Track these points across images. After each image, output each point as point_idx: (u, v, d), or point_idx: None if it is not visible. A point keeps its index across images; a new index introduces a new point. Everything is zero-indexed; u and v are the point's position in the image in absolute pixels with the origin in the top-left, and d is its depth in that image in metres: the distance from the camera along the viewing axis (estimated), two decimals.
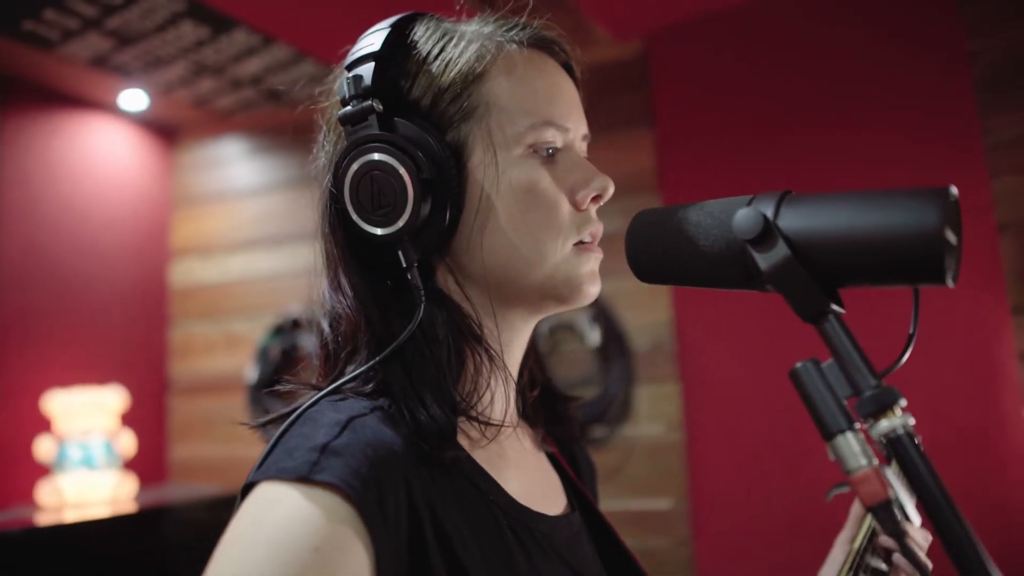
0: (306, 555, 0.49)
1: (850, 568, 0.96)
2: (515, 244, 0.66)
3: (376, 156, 0.64)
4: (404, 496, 0.56)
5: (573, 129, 0.69)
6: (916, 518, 1.13)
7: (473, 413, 0.66)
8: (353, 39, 0.69)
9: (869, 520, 1.04)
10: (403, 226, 0.63)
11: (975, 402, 1.89)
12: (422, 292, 0.64)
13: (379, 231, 0.64)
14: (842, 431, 0.58)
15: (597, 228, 0.69)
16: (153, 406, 2.97)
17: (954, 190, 0.54)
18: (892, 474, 1.16)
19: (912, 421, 0.55)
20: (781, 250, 0.58)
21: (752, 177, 2.16)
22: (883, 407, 0.56)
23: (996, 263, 1.90)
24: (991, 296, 1.90)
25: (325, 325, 0.70)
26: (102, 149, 2.90)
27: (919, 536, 1.02)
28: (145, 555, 2.14)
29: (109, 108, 2.91)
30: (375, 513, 0.52)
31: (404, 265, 0.65)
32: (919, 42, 2.04)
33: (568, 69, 0.72)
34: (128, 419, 2.62)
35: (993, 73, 1.93)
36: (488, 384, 0.69)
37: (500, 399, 0.71)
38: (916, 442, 0.55)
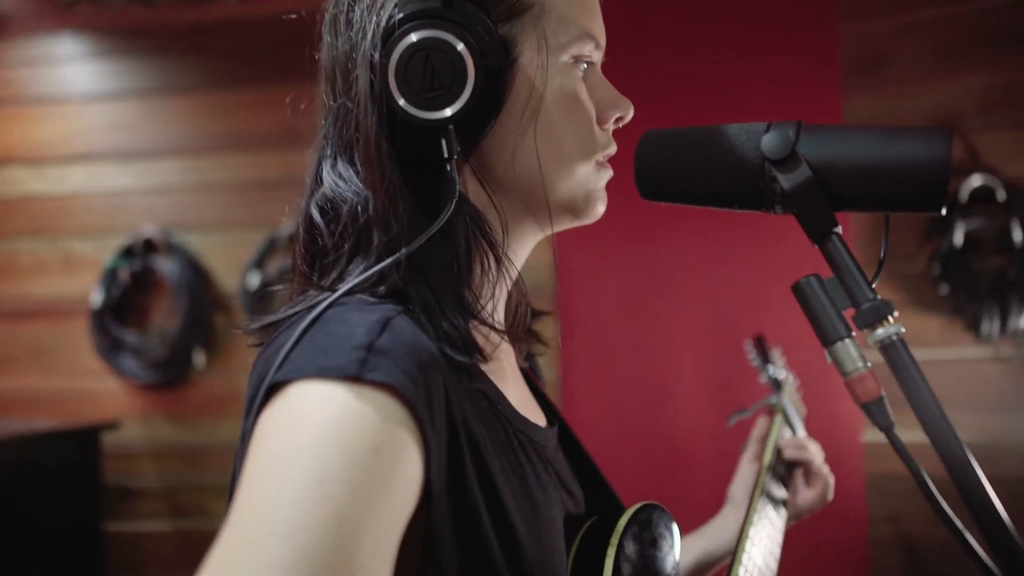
0: (367, 456, 0.46)
1: (764, 478, 1.07)
2: (549, 153, 0.65)
3: (437, 33, 0.59)
4: (443, 401, 0.54)
5: (603, 49, 0.70)
6: (801, 432, 1.28)
7: (490, 321, 0.66)
8: None
9: (776, 435, 1.17)
10: (453, 114, 0.60)
11: (817, 351, 2.12)
12: (456, 187, 0.62)
13: (424, 115, 0.60)
14: (841, 338, 0.64)
15: (614, 149, 0.71)
16: None
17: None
18: (786, 401, 1.30)
19: (903, 330, 0.62)
20: (804, 172, 0.63)
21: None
22: (880, 317, 0.63)
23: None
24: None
25: (318, 216, 0.64)
26: None
27: (814, 448, 1.16)
28: None
29: None
30: (426, 416, 0.51)
31: (445, 155, 0.61)
32: (793, 25, 2.22)
33: None
34: None
35: (858, 56, 2.15)
36: (492, 293, 0.68)
37: (500, 310, 0.71)
38: (907, 347, 0.62)
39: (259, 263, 2.52)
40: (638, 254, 2.30)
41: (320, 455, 0.45)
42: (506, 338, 0.72)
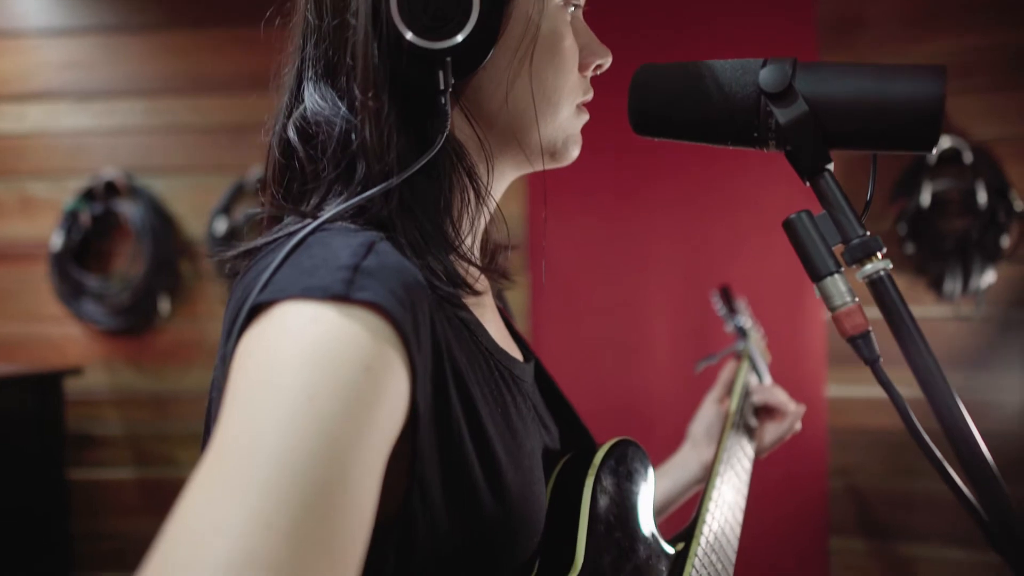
0: (357, 374, 0.45)
1: (733, 419, 1.10)
2: (537, 92, 0.65)
3: None
4: (428, 325, 0.53)
5: None
6: (767, 378, 1.31)
7: (470, 255, 0.66)
8: None
9: (742, 380, 1.19)
10: (452, 45, 0.59)
11: (786, 304, 2.16)
12: (448, 120, 0.61)
13: (424, 43, 0.59)
14: (830, 273, 0.65)
15: (591, 95, 0.72)
16: None
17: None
18: (753, 348, 1.33)
19: (891, 266, 0.64)
20: (800, 107, 0.63)
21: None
22: (869, 253, 0.64)
23: None
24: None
25: (295, 138, 0.62)
26: None
27: (780, 393, 1.19)
28: None
29: None
30: (413, 337, 0.50)
31: (441, 87, 0.60)
32: None
33: None
34: None
35: (833, 18, 2.15)
36: (471, 228, 0.68)
37: (477, 246, 0.71)
38: (895, 283, 0.63)
39: (226, 209, 2.47)
40: (609, 208, 2.31)
41: (309, 372, 0.44)
42: (482, 274, 0.73)
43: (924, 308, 2.15)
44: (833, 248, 0.66)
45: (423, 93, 0.61)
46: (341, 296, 0.47)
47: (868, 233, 0.65)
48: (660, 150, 2.29)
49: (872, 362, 0.64)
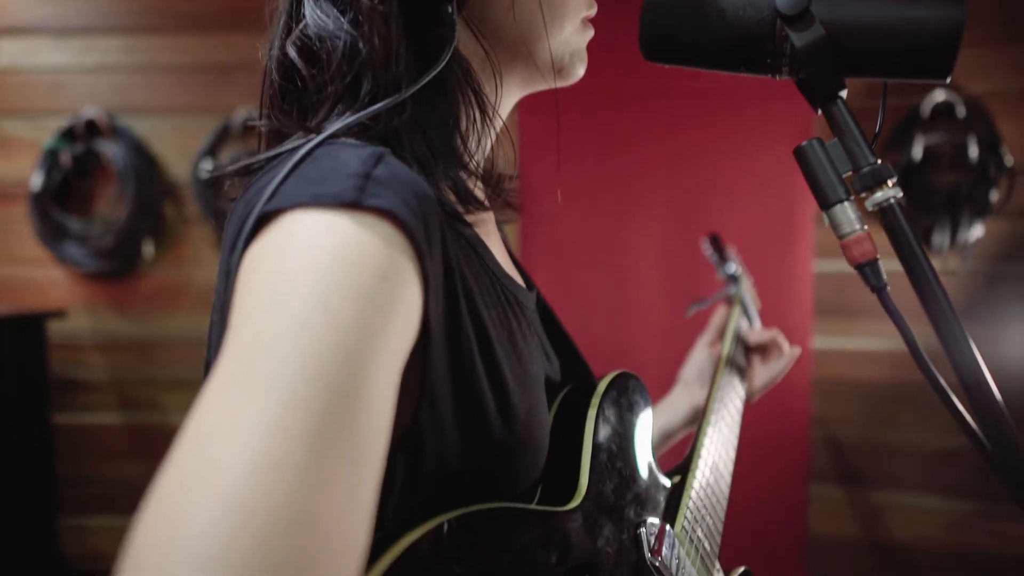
0: (372, 281, 0.43)
1: (726, 361, 1.10)
2: (544, 4, 0.64)
3: None
4: (439, 239, 0.52)
5: None
6: (758, 323, 1.32)
7: (479, 172, 0.65)
8: None
9: (734, 324, 1.20)
10: None
11: (774, 255, 2.17)
12: (455, 31, 0.59)
13: None
14: (840, 200, 0.65)
15: (595, 10, 0.71)
16: None
17: None
18: (744, 293, 1.33)
19: (900, 194, 0.63)
20: (816, 30, 0.62)
21: None
22: (879, 181, 0.63)
23: (808, 133, 2.14)
24: None
25: (296, 55, 0.60)
26: None
27: (777, 334, 1.20)
28: None
29: None
30: (426, 248, 0.49)
31: None
32: None
33: None
34: None
35: None
36: (477, 147, 0.67)
37: (483, 168, 0.70)
38: (904, 212, 0.63)
39: (211, 151, 2.42)
40: (599, 157, 2.29)
41: (322, 279, 0.42)
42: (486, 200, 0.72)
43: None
44: (843, 176, 0.65)
45: (426, 4, 0.60)
46: (353, 203, 0.46)
47: (879, 161, 0.64)
48: (652, 99, 2.27)
49: (879, 290, 0.64)
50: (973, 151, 2.10)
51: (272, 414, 0.37)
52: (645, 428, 0.77)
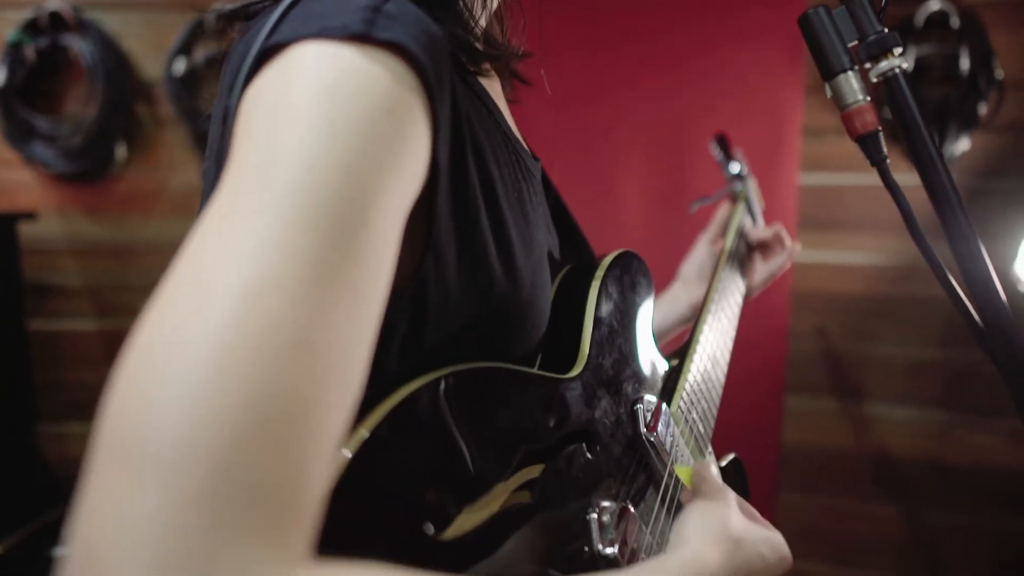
0: (380, 114, 0.41)
1: (728, 254, 1.10)
2: None
3: None
4: (449, 83, 0.49)
5: None
6: (761, 222, 1.32)
7: (484, 31, 0.62)
8: None
9: (738, 220, 1.19)
10: None
11: (759, 167, 2.15)
12: None
13: None
14: (844, 70, 0.63)
15: None
16: None
17: None
18: (750, 190, 1.32)
19: (907, 64, 0.61)
20: None
21: None
22: (885, 49, 0.62)
23: (798, 44, 2.10)
24: (789, 75, 2.12)
25: None
26: None
27: (779, 228, 1.19)
28: None
29: None
30: (436, 89, 0.46)
31: None
32: None
33: None
34: None
35: None
36: (483, 7, 0.64)
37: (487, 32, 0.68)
38: (908, 81, 0.61)
39: (185, 48, 2.33)
40: (585, 59, 2.23)
41: (329, 106, 0.40)
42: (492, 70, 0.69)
43: (896, 175, 2.15)
44: (848, 46, 0.64)
45: None
46: (362, 35, 0.43)
47: (886, 29, 0.62)
48: (637, 7, 2.20)
49: (879, 162, 0.64)
50: (965, 63, 2.07)
51: (273, 235, 0.36)
52: (646, 308, 0.77)
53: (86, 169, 2.39)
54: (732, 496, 0.63)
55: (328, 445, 0.36)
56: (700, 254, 1.17)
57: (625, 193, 2.27)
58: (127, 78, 2.38)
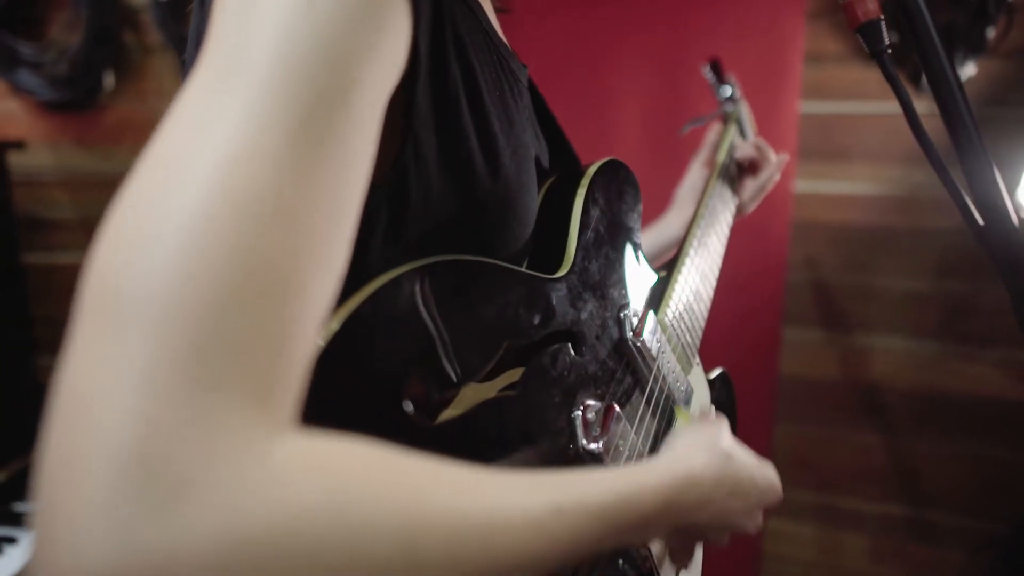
0: None
1: (719, 170, 1.08)
2: None
3: None
4: None
5: None
6: (752, 135, 1.29)
7: None
8: None
9: (730, 138, 1.17)
10: None
11: (760, 95, 2.11)
12: None
13: None
14: None
15: None
16: None
17: None
18: (742, 111, 1.29)
19: None
20: None
21: None
22: None
23: None
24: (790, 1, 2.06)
25: None
26: None
27: (761, 143, 1.17)
28: None
29: None
30: None
31: None
32: None
33: None
34: None
35: None
36: None
37: None
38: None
39: None
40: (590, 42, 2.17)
41: None
42: None
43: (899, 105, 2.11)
44: None
45: None
46: None
47: None
48: None
49: (880, 53, 0.61)
50: None
51: (255, 106, 0.35)
52: (634, 217, 0.76)
53: (73, 98, 2.34)
54: (726, 423, 0.65)
55: (311, 314, 0.35)
56: (693, 176, 1.16)
57: (620, 118, 2.23)
58: (112, 3, 2.31)
